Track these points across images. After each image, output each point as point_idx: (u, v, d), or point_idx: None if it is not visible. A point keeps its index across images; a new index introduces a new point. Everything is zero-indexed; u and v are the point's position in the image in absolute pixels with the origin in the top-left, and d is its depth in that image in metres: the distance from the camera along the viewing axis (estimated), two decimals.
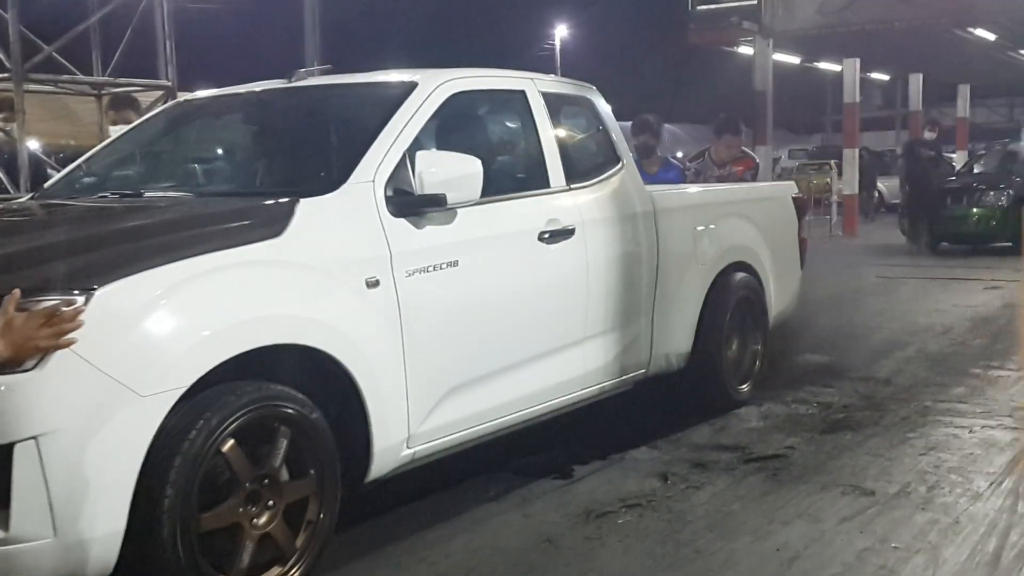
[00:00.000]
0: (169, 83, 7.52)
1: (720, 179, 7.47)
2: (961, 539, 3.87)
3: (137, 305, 3.02)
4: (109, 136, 6.38)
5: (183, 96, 5.45)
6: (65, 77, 7.27)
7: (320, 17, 16.24)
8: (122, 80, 7.72)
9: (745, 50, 19.46)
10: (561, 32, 45.90)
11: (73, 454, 2.85)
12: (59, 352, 2.82)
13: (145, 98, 8.10)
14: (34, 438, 2.80)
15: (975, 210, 14.59)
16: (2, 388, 2.79)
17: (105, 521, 2.92)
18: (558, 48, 45.39)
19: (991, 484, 4.47)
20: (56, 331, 2.78)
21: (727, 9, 17.63)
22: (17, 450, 2.80)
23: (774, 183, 7.06)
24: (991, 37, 18.78)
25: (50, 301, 2.86)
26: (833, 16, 16.54)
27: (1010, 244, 14.33)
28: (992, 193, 14.62)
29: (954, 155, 24.29)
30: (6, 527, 2.82)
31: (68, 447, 2.84)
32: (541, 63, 43.95)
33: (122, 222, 3.62)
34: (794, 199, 6.77)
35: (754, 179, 7.59)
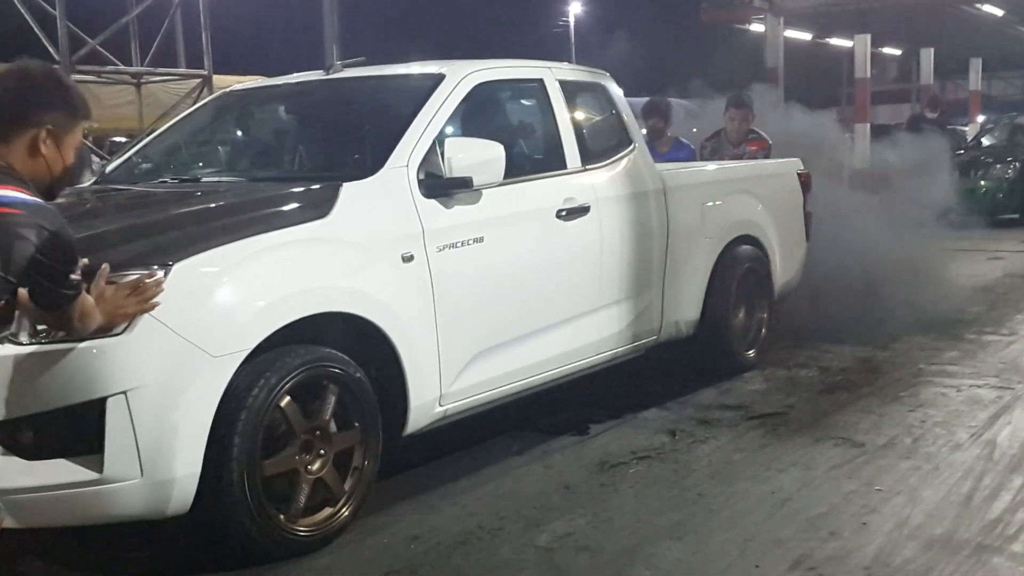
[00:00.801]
0: (206, 72, 7.95)
1: (735, 158, 7.84)
2: (939, 483, 4.30)
3: (208, 277, 3.48)
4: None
5: (231, 86, 5.87)
6: (109, 68, 7.71)
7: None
8: (161, 70, 8.17)
9: (757, 27, 19.75)
10: (575, 9, 46.10)
11: (156, 406, 3.31)
12: (143, 318, 3.27)
13: (183, 87, 8.56)
14: (124, 393, 3.26)
15: (982, 183, 14.88)
16: (94, 351, 3.25)
17: (183, 464, 3.38)
18: (572, 24, 45.63)
19: (972, 436, 4.89)
20: (141, 299, 3.23)
21: None
22: (110, 403, 3.26)
23: (780, 160, 7.40)
24: (999, 12, 19.01)
25: (135, 275, 3.31)
26: None
27: (1017, 216, 14.64)
28: (999, 166, 14.92)
29: (967, 128, 24.47)
30: (100, 469, 3.28)
31: (152, 400, 3.30)
32: (555, 39, 44.20)
33: (189, 205, 4.07)
34: (799, 175, 7.14)
35: (767, 159, 7.93)
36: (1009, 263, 10.61)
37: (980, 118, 24.30)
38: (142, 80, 8.00)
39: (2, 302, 2.72)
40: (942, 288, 8.40)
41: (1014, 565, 3.52)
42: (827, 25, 20.47)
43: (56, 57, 6.98)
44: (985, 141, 17.01)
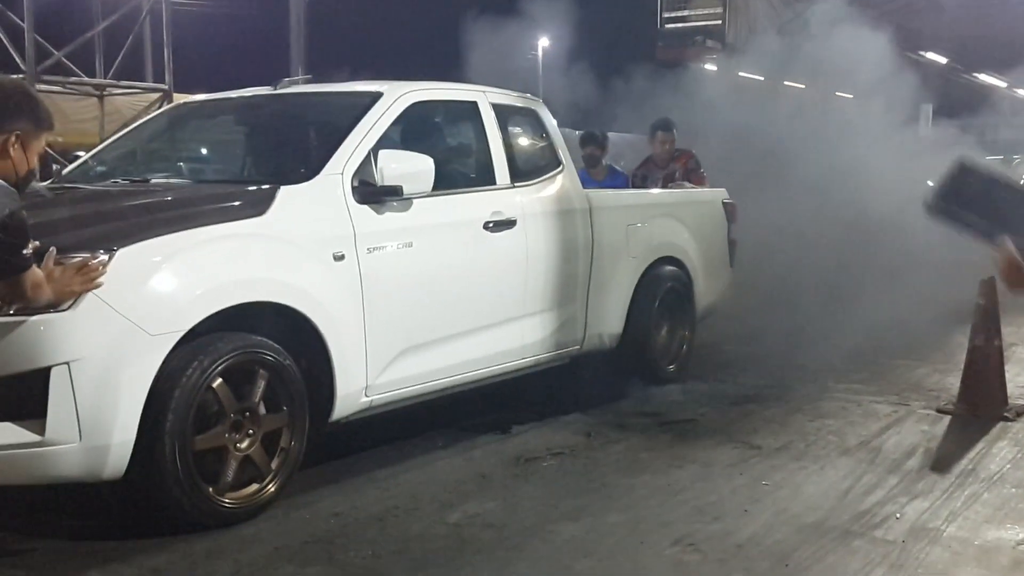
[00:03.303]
0: (166, 87, 8.27)
1: (666, 178, 8.20)
2: (822, 480, 4.69)
3: (149, 263, 3.82)
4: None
5: (181, 98, 6.21)
6: (73, 80, 8.02)
7: (308, 24, 16.85)
8: (123, 83, 8.49)
9: (712, 67, 20.31)
10: (544, 43, 46.74)
11: (96, 377, 3.63)
12: (88, 296, 3.60)
13: (144, 100, 8.88)
14: (67, 363, 3.58)
15: None
16: (42, 324, 3.57)
17: (119, 432, 3.70)
18: (540, 57, 46.22)
19: (860, 443, 5.29)
20: (86, 279, 3.57)
21: (692, 28, 18.52)
22: (53, 372, 3.58)
23: (707, 189, 7.82)
24: (943, 60, 19.72)
25: (80, 257, 3.63)
26: (792, 37, 17.45)
27: None
28: None
29: None
30: (42, 432, 3.59)
31: (92, 371, 3.62)
32: (524, 70, 44.68)
33: (134, 200, 4.40)
34: (725, 204, 7.56)
35: (698, 167, 8.26)
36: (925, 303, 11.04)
37: None
38: (104, 92, 8.30)
39: None
40: (863, 318, 8.80)
41: (871, 546, 3.90)
42: (777, 69, 21.02)
43: (23, 67, 7.29)
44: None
